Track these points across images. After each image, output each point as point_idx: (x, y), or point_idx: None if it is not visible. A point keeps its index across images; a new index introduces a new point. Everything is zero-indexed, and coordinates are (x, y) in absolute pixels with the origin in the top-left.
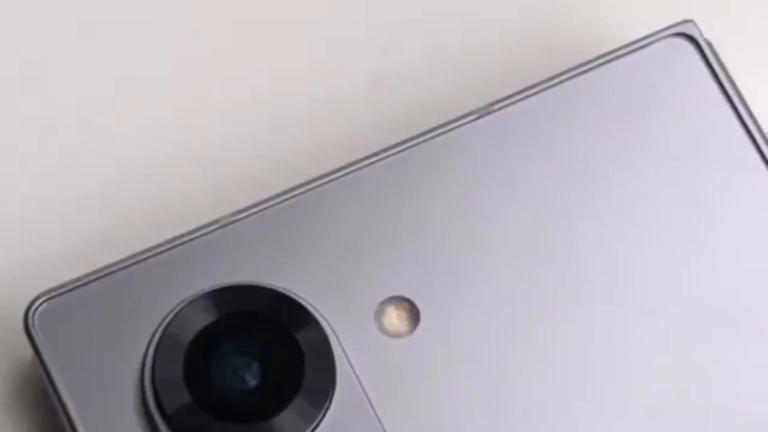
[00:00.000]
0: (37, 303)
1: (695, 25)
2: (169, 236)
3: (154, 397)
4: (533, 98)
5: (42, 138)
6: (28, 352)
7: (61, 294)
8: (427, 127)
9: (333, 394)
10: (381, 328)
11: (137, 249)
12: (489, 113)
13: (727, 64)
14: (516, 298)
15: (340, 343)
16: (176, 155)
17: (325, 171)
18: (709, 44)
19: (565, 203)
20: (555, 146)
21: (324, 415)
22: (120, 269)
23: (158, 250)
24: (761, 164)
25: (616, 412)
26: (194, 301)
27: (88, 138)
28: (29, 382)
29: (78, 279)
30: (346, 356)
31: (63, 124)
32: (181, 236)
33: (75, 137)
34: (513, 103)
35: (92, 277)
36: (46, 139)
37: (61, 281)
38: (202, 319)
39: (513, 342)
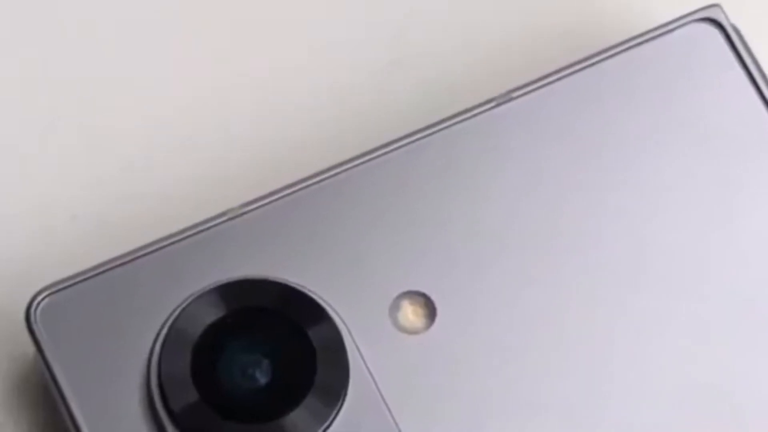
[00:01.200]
0: (39, 298)
1: (721, 9)
2: (175, 230)
3: (160, 395)
4: (555, 85)
5: (42, 136)
6: (30, 349)
7: (64, 288)
8: (445, 115)
9: (346, 393)
10: (396, 323)
11: (142, 243)
12: (509, 100)
13: (754, 50)
14: (538, 291)
15: (353, 339)
16: (193, 142)
17: (338, 161)
18: (736, 29)
19: (589, 191)
20: (578, 133)
21: (336, 415)
22: (125, 263)
23: (164, 243)
24: None
25: (644, 404)
26: (202, 296)
27: (90, 135)
28: (31, 381)
29: (81, 273)
30: (360, 353)
31: (64, 122)
32: (188, 229)
33: (76, 135)
34: (534, 90)
35: (96, 271)
36: (46, 137)
37: (64, 275)
38: (210, 314)
39: (535, 337)
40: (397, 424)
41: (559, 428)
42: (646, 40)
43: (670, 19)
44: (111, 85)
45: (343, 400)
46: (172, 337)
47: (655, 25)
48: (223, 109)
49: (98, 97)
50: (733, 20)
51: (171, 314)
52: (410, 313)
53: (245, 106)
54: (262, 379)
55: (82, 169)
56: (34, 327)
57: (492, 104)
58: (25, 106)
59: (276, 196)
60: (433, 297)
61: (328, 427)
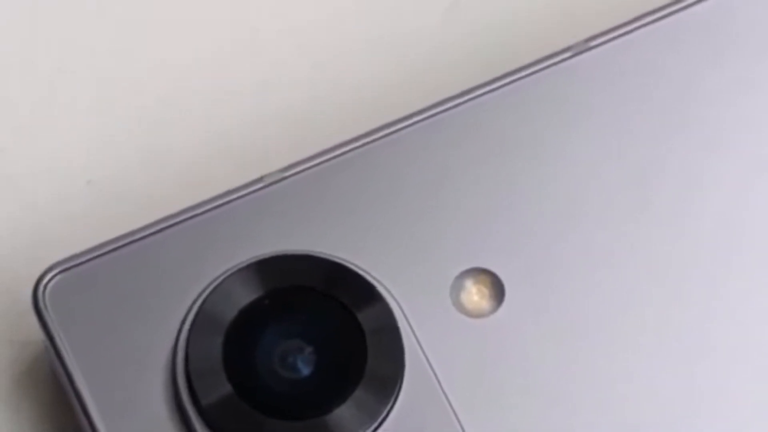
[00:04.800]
0: (49, 276)
1: None
2: (205, 197)
3: (188, 387)
4: (638, 32)
5: (50, 89)
6: (38, 335)
7: (77, 265)
8: (514, 67)
9: (401, 385)
10: (458, 305)
11: (166, 213)
12: (586, 50)
13: None
14: (621, 270)
15: (409, 323)
16: (223, 107)
17: (392, 119)
18: None
19: (678, 153)
20: (663, 88)
21: (390, 410)
22: (147, 236)
23: (192, 214)
24: None
25: (738, 394)
26: (235, 274)
27: (105, 86)
28: (38, 371)
29: (97, 247)
30: (417, 339)
31: (73, 72)
32: (220, 196)
33: (88, 87)
34: (615, 38)
35: (114, 246)
36: (54, 90)
37: (77, 251)
38: (245, 295)
39: (616, 323)
40: (459, 420)
41: (643, 427)
42: None
43: None
44: (126, 28)
45: (398, 393)
46: (202, 320)
47: None
48: (261, 55)
49: (112, 43)
50: None
51: (200, 295)
52: (474, 294)
53: (286, 53)
54: (305, 369)
55: (96, 127)
56: (43, 309)
57: (567, 54)
58: (30, 56)
59: (320, 159)
60: (501, 275)
61: (380, 424)
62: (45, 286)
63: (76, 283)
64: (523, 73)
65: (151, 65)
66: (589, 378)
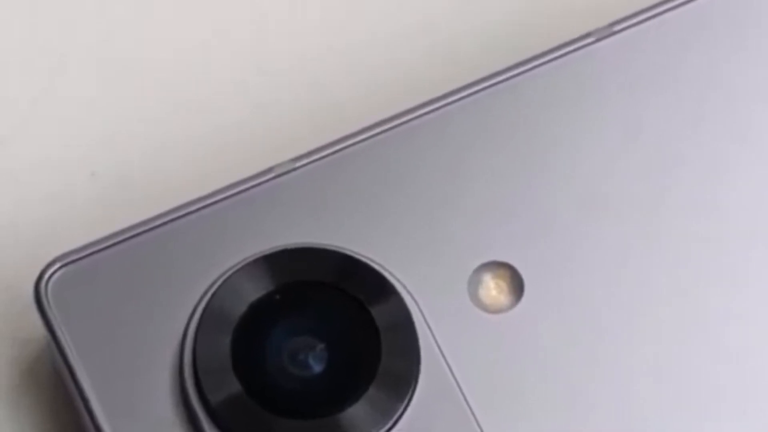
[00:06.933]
0: (51, 270)
1: None
2: (213, 189)
3: (195, 385)
4: (662, 17)
5: (51, 75)
6: (40, 331)
7: (80, 259)
8: (533, 53)
9: (416, 383)
10: (476, 300)
11: (173, 205)
12: (610, 35)
13: None
14: (644, 263)
15: (425, 319)
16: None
17: (406, 107)
18: None
19: (704, 144)
20: (689, 75)
21: (405, 409)
22: (152, 228)
23: (200, 205)
24: None
25: (763, 391)
26: (245, 268)
27: (109, 73)
28: (40, 370)
29: (100, 240)
30: (433, 335)
31: (77, 58)
32: (228, 188)
33: (92, 74)
34: (638, 23)
35: (118, 239)
36: (56, 77)
37: (80, 244)
38: (255, 290)
39: (639, 319)
40: (476, 419)
41: (665, 428)
42: None
43: None
44: (129, 17)
45: (413, 391)
46: (210, 317)
47: None
48: (268, 43)
49: (115, 32)
50: None
51: (208, 290)
52: (493, 288)
53: (299, 40)
54: (317, 366)
55: (99, 117)
56: (45, 305)
57: (590, 39)
58: (31, 45)
59: (332, 149)
60: (520, 269)
61: (394, 424)
62: (47, 281)
63: (80, 278)
64: (544, 59)
65: (156, 55)
66: (612, 377)
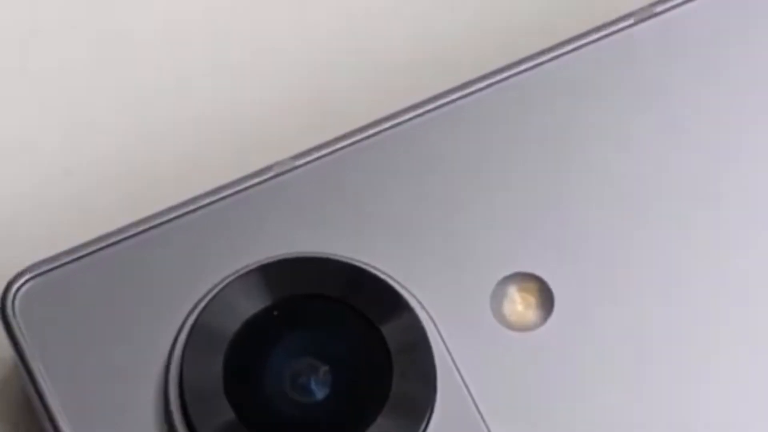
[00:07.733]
0: (19, 283)
1: None
2: (203, 190)
3: (182, 412)
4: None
5: (21, 55)
6: (7, 351)
7: (52, 269)
8: (564, 37)
9: (432, 410)
10: (499, 317)
11: (158, 208)
12: (651, 17)
13: None
14: (688, 276)
15: (442, 338)
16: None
17: (422, 99)
18: None
19: (753, 137)
20: (737, 60)
21: None
22: (134, 235)
23: (188, 209)
24: None
25: None
26: (239, 279)
27: (88, 54)
28: (7, 393)
29: (76, 248)
30: (451, 356)
31: (47, 36)
32: (221, 189)
33: (65, 55)
34: (682, 3)
35: (95, 247)
36: (25, 57)
37: (53, 252)
38: (250, 304)
39: (679, 337)
40: None
41: None
42: None
43: None
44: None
45: (428, 419)
46: (200, 334)
47: None
48: (272, 24)
49: (91, 16)
50: None
51: (197, 304)
52: (519, 303)
53: (299, 37)
54: (320, 391)
55: (73, 108)
56: (12, 322)
57: (630, 21)
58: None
59: (337, 146)
60: (549, 282)
61: None
62: (14, 295)
63: (52, 290)
64: (578, 42)
65: (136, 42)
66: (650, 403)
